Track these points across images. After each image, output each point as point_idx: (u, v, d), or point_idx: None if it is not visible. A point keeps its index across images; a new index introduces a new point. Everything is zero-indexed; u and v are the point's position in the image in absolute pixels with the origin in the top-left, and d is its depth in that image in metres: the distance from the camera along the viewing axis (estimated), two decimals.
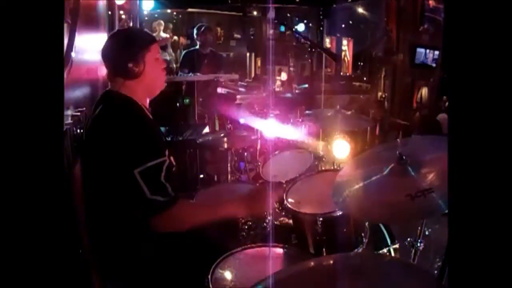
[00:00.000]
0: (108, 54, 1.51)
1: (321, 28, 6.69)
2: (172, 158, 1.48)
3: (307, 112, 2.98)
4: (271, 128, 2.77)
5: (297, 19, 7.60)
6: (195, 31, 4.43)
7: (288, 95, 4.82)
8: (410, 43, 4.85)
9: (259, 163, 2.72)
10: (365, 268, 0.99)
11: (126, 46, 1.48)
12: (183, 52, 4.92)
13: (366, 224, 1.66)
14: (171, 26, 7.84)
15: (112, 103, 1.48)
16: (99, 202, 1.44)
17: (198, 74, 4.06)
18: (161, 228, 1.37)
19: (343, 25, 6.69)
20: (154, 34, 6.78)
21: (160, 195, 1.33)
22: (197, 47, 4.42)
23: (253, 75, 7.33)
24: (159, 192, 1.33)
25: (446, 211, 1.10)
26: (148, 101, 1.58)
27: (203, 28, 4.37)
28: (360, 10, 6.23)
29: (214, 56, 4.46)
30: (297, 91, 5.03)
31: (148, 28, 6.71)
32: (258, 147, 2.99)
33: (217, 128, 3.90)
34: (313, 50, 2.51)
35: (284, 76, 6.32)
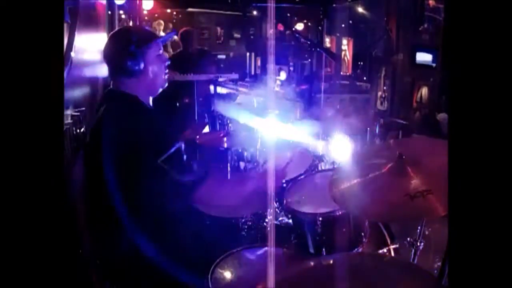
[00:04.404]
0: (108, 53, 1.51)
1: (321, 28, 6.68)
2: None
3: (307, 112, 2.98)
4: (271, 128, 2.77)
5: (296, 18, 7.61)
6: (179, 37, 4.47)
7: (288, 94, 4.82)
8: (410, 43, 4.84)
9: (259, 163, 2.72)
10: (365, 268, 0.99)
11: (125, 44, 1.46)
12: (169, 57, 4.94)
13: (366, 223, 1.66)
14: (171, 25, 7.84)
15: (116, 102, 1.48)
16: (102, 201, 1.44)
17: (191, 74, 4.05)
18: (199, 203, 1.47)
19: (343, 25, 6.69)
20: None
21: (188, 174, 1.38)
22: (181, 49, 4.45)
23: (252, 74, 7.33)
24: (186, 172, 1.37)
25: (444, 214, 1.10)
26: (151, 99, 1.57)
27: (184, 34, 4.41)
28: (360, 9, 6.23)
29: (201, 54, 4.46)
30: (297, 90, 5.03)
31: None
32: (258, 147, 2.98)
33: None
34: (313, 49, 2.50)
35: (284, 75, 6.31)
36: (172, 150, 1.35)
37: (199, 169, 1.39)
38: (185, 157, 1.38)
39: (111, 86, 1.53)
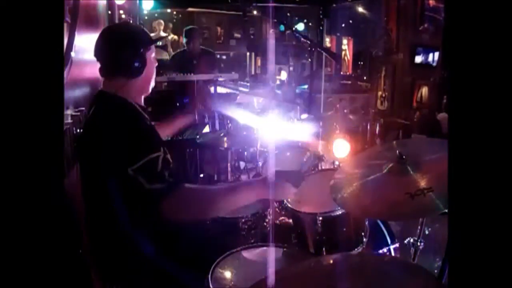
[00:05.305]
0: (109, 51, 1.46)
1: (321, 28, 6.68)
2: (169, 156, 1.46)
3: (306, 111, 2.98)
4: (271, 127, 2.77)
5: (297, 18, 7.61)
6: (183, 35, 4.46)
7: (288, 94, 4.82)
8: (410, 43, 4.85)
9: (259, 163, 2.72)
10: (365, 268, 0.99)
11: (131, 45, 1.45)
12: (171, 55, 4.92)
13: (366, 223, 1.66)
14: (171, 25, 7.84)
15: (104, 105, 1.45)
16: (98, 202, 1.44)
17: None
18: (170, 216, 1.31)
19: (343, 25, 6.70)
20: (154, 34, 6.79)
21: (158, 183, 1.29)
22: (186, 48, 4.44)
23: (252, 74, 7.33)
24: (157, 181, 1.29)
25: (445, 210, 1.10)
26: (143, 98, 1.57)
27: (189, 31, 4.40)
28: (360, 9, 6.24)
29: (205, 54, 4.46)
30: (297, 90, 5.03)
31: (148, 28, 6.71)
32: (258, 147, 2.98)
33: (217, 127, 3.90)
34: (313, 49, 2.50)
35: (284, 75, 6.32)
36: (146, 159, 1.29)
37: (168, 179, 1.31)
38: (159, 166, 1.30)
39: (102, 87, 1.50)
